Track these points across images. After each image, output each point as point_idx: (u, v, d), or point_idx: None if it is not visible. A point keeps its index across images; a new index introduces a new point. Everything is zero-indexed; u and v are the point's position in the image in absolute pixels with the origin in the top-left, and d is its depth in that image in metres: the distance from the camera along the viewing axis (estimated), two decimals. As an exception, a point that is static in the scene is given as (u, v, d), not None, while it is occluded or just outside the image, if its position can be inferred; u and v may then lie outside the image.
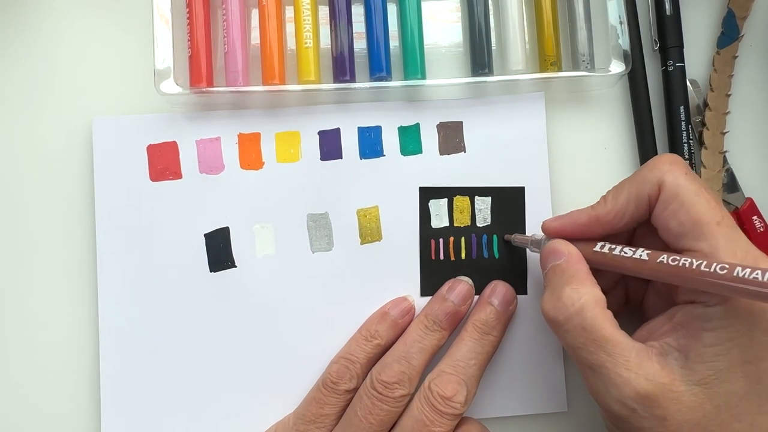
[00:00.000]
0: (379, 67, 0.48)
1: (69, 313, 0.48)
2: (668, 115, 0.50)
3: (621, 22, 0.48)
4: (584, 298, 0.40)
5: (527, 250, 0.49)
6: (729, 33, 0.51)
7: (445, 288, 0.47)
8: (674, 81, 0.50)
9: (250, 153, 0.49)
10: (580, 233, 0.44)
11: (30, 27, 0.50)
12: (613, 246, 0.42)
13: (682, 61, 0.50)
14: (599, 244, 0.42)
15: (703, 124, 0.50)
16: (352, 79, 0.48)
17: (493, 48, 0.49)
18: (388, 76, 0.48)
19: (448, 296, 0.47)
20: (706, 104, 0.51)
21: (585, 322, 0.39)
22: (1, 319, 0.48)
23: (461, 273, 0.48)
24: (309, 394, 0.47)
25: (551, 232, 0.45)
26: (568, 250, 0.43)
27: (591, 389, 0.40)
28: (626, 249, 0.41)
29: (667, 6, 0.51)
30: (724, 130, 0.50)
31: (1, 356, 0.48)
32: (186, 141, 0.49)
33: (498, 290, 0.47)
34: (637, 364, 0.38)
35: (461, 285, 0.47)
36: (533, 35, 0.50)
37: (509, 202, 0.49)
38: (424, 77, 0.48)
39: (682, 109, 0.50)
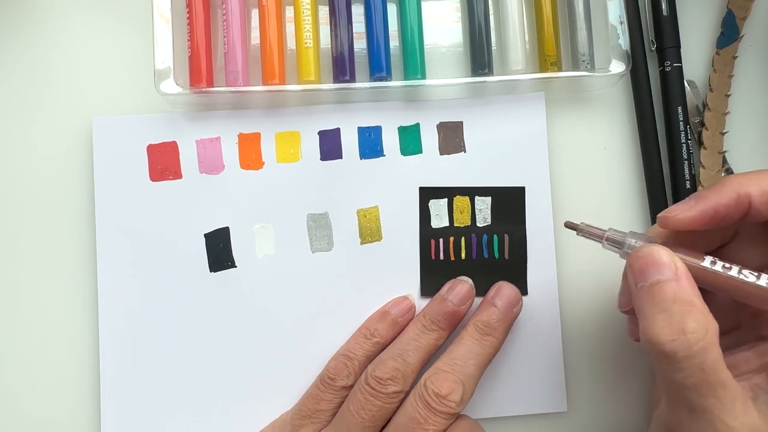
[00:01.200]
0: (379, 67, 0.48)
1: (69, 313, 0.48)
2: (666, 116, 0.50)
3: (621, 22, 0.48)
4: (710, 334, 0.35)
5: (528, 249, 0.49)
6: (728, 33, 0.51)
7: (445, 288, 0.47)
8: (672, 81, 0.50)
9: (250, 153, 0.49)
10: (702, 228, 0.37)
11: (29, 27, 0.50)
12: (728, 264, 0.36)
13: (680, 61, 0.50)
14: (708, 260, 0.37)
15: (702, 125, 0.50)
16: (352, 79, 0.48)
17: (493, 48, 0.50)
18: (388, 76, 0.48)
19: (447, 296, 0.46)
20: (705, 105, 0.51)
21: (705, 363, 0.34)
22: (1, 319, 0.48)
23: (461, 273, 0.48)
24: (308, 390, 0.47)
25: (678, 224, 0.38)
26: (674, 264, 0.36)
27: (676, 426, 0.37)
28: (745, 271, 0.36)
29: (664, 6, 0.50)
30: (724, 131, 0.50)
31: (0, 357, 0.48)
32: (186, 141, 0.49)
33: (502, 292, 0.47)
34: (742, 412, 0.35)
35: (461, 285, 0.47)
36: (533, 35, 0.50)
37: (509, 202, 0.49)
38: (424, 77, 0.48)
39: (680, 109, 0.50)
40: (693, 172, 0.49)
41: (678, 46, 0.51)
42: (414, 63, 0.48)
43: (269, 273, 0.48)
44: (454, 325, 0.46)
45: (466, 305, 0.47)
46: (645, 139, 0.50)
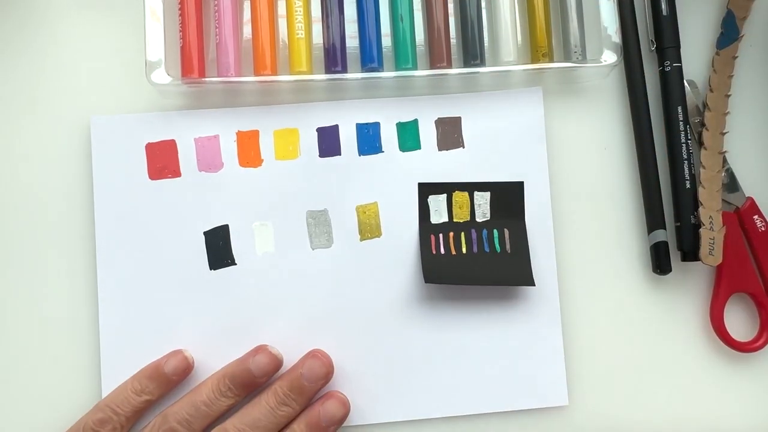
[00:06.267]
0: (370, 58, 0.48)
1: (69, 312, 0.48)
2: (666, 116, 0.50)
3: (612, 14, 0.48)
4: None
5: (529, 241, 0.49)
6: (729, 33, 0.51)
7: (252, 353, 0.46)
8: (671, 81, 0.50)
9: (249, 150, 0.49)
10: None
11: (25, 27, 0.50)
12: None
13: (679, 61, 0.50)
14: None
15: (703, 125, 0.50)
16: (344, 70, 0.48)
17: (485, 39, 0.50)
18: (379, 67, 0.48)
19: (250, 365, 0.45)
20: (705, 105, 0.51)
21: None
22: (1, 319, 0.48)
23: (463, 266, 0.48)
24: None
25: None
26: None
27: None
28: None
29: (663, 6, 0.51)
30: (724, 131, 0.50)
31: (0, 357, 0.48)
32: (184, 139, 0.49)
33: (308, 364, 0.46)
34: None
35: (264, 356, 0.46)
36: (525, 27, 0.50)
37: (508, 197, 0.49)
38: (415, 67, 0.48)
39: (680, 109, 0.50)
40: (693, 172, 0.49)
41: (678, 46, 0.51)
42: (405, 53, 0.48)
43: (269, 270, 0.48)
44: (250, 391, 0.46)
45: (266, 378, 0.46)
46: (641, 138, 0.50)
